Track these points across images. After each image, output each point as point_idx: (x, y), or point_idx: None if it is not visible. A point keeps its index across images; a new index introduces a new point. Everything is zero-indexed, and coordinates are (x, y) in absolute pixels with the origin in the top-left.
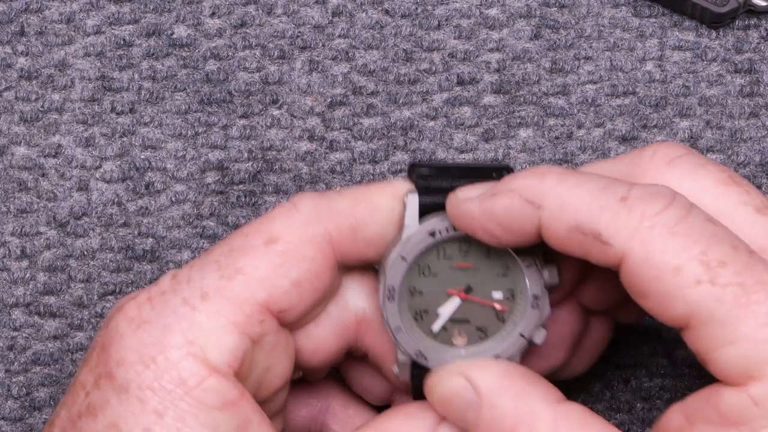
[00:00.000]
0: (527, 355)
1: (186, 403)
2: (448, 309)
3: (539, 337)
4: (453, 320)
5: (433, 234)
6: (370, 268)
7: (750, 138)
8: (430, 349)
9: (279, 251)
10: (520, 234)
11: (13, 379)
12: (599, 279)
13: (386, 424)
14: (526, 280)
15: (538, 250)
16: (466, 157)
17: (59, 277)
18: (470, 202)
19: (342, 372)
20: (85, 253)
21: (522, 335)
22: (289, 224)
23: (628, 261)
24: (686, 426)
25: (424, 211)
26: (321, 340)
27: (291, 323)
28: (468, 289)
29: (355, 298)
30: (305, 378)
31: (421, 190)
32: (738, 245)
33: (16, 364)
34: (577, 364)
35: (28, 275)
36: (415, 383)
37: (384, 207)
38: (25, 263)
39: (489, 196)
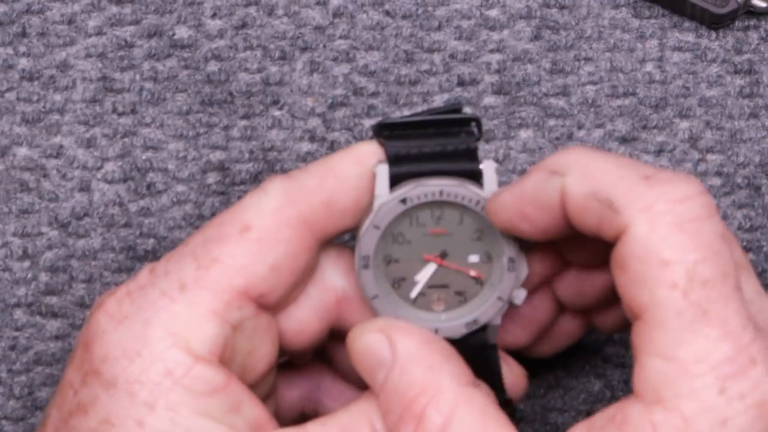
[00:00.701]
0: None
1: (175, 393)
2: (424, 275)
3: (519, 298)
4: (431, 286)
5: (404, 201)
6: (347, 246)
7: (750, 139)
8: (410, 315)
9: (254, 238)
10: (549, 210)
11: (15, 379)
12: (578, 278)
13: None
14: (502, 242)
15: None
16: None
17: (61, 277)
18: (503, 192)
19: (327, 354)
20: (87, 253)
21: (500, 297)
22: (261, 210)
23: (627, 233)
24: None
25: (395, 182)
26: (303, 321)
27: (271, 306)
28: (443, 254)
29: (334, 276)
30: (292, 362)
31: (391, 160)
32: (729, 274)
33: (18, 364)
34: (540, 349)
35: (29, 275)
36: None
37: (351, 175)
38: (26, 263)
39: (518, 181)
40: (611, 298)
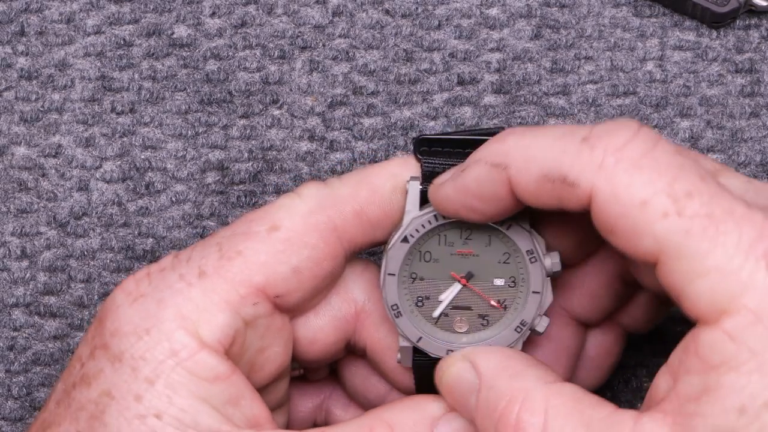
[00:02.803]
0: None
1: (177, 373)
2: (449, 295)
3: (541, 325)
4: (455, 307)
5: (436, 218)
6: (373, 262)
7: (751, 138)
8: (432, 335)
9: (281, 238)
10: (497, 200)
11: (14, 380)
12: (588, 287)
13: (385, 414)
14: (528, 269)
15: (540, 237)
16: None
17: (59, 277)
18: (445, 185)
19: (339, 373)
20: (86, 253)
21: (523, 323)
22: (292, 212)
23: (595, 199)
24: (672, 385)
25: (425, 200)
26: (319, 329)
27: (289, 309)
28: (469, 276)
29: (356, 289)
30: (307, 377)
31: (425, 176)
32: (705, 177)
33: (16, 364)
34: (586, 377)
35: (28, 275)
36: (416, 372)
37: (384, 188)
38: (25, 263)
39: (459, 173)
40: (624, 294)
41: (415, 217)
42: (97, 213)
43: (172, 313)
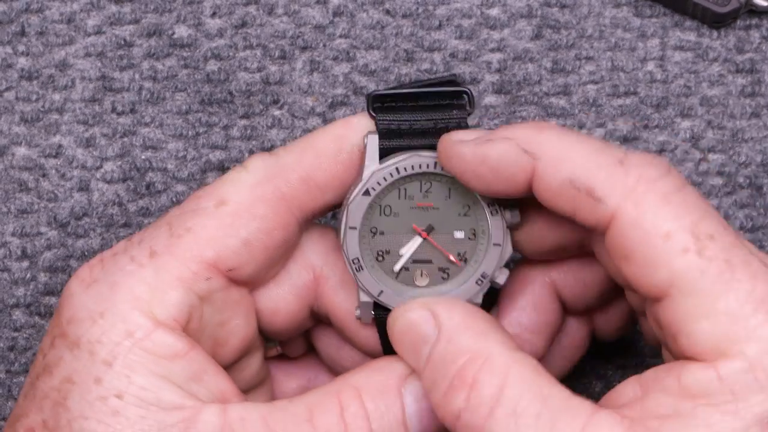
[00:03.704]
0: None
1: (134, 353)
2: (409, 249)
3: (501, 278)
4: (415, 260)
5: (397, 170)
6: (330, 226)
7: (751, 138)
8: (392, 288)
9: (228, 212)
10: (511, 182)
11: (14, 380)
12: (578, 270)
13: (352, 378)
14: (489, 221)
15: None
16: None
17: (60, 277)
18: (464, 145)
19: (314, 345)
20: (86, 253)
21: (484, 276)
22: (239, 185)
23: (618, 221)
24: (640, 395)
25: (384, 154)
26: (281, 299)
27: (245, 282)
28: (429, 229)
29: (313, 255)
30: (286, 354)
31: (381, 133)
32: (727, 225)
33: (16, 364)
34: (554, 364)
35: (28, 276)
36: (379, 328)
37: (329, 150)
38: (25, 264)
39: (485, 141)
40: (610, 295)
41: (375, 170)
42: (97, 213)
43: (125, 295)
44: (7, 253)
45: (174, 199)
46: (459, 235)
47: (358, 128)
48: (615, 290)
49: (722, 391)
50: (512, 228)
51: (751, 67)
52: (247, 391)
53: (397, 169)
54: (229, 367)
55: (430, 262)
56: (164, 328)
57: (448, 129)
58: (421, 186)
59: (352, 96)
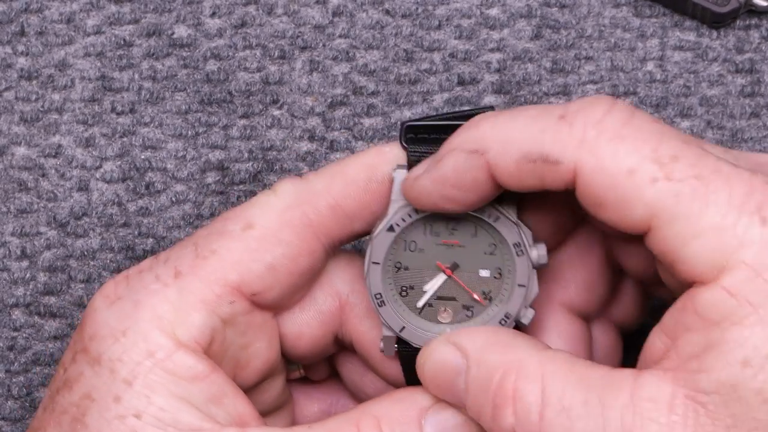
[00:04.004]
0: None
1: (154, 373)
2: (433, 285)
3: (527, 318)
4: (439, 297)
5: (414, 213)
6: (357, 253)
7: (751, 138)
8: (415, 324)
9: (255, 236)
10: (477, 188)
11: (14, 380)
12: (582, 278)
13: (373, 407)
14: (514, 261)
15: (527, 229)
16: None
17: (59, 277)
18: (421, 178)
19: (338, 370)
20: (86, 253)
21: (507, 316)
22: (266, 210)
23: (580, 174)
24: (670, 344)
25: None
26: (305, 324)
27: (269, 306)
28: (454, 267)
29: (339, 282)
30: (308, 378)
31: (411, 165)
32: (688, 140)
33: (16, 364)
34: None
35: (28, 275)
36: (402, 362)
37: (359, 179)
38: (25, 263)
39: (434, 164)
40: (611, 277)
41: (401, 206)
42: (97, 213)
43: (148, 314)
44: (7, 252)
45: (173, 199)
46: (484, 273)
47: (389, 158)
48: (615, 275)
49: (740, 306)
50: (539, 269)
51: (750, 67)
52: (268, 413)
53: (409, 214)
54: (250, 389)
55: (454, 299)
56: (185, 350)
57: None
58: (447, 223)
59: (351, 96)
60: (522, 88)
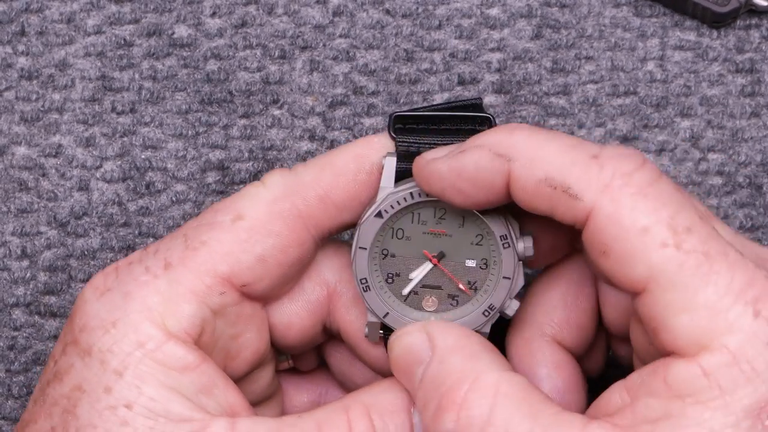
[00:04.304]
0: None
1: (144, 364)
2: (419, 273)
3: (511, 309)
4: (425, 285)
5: (411, 195)
6: (345, 242)
7: (751, 138)
8: (399, 311)
9: (245, 227)
10: (490, 189)
11: (14, 379)
12: (575, 319)
13: (362, 396)
14: (501, 253)
15: (514, 221)
16: None
17: (60, 276)
18: (438, 162)
19: (326, 359)
20: (86, 252)
21: (492, 307)
22: (256, 201)
23: (595, 217)
24: (628, 402)
25: (400, 177)
26: (294, 314)
27: (258, 297)
28: (441, 255)
29: (327, 271)
30: (297, 368)
31: (400, 155)
32: (704, 216)
33: (16, 363)
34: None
35: (28, 275)
36: (387, 348)
37: (348, 170)
38: (25, 263)
39: (457, 153)
40: (596, 321)
41: (390, 193)
42: (97, 213)
43: (137, 305)
44: (7, 252)
45: (173, 199)
46: (470, 263)
47: (378, 148)
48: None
49: (709, 387)
50: (525, 261)
51: (750, 67)
52: (257, 403)
53: (411, 194)
54: (240, 379)
55: (439, 288)
56: (176, 340)
57: None
58: (435, 212)
59: (351, 96)
60: (522, 87)
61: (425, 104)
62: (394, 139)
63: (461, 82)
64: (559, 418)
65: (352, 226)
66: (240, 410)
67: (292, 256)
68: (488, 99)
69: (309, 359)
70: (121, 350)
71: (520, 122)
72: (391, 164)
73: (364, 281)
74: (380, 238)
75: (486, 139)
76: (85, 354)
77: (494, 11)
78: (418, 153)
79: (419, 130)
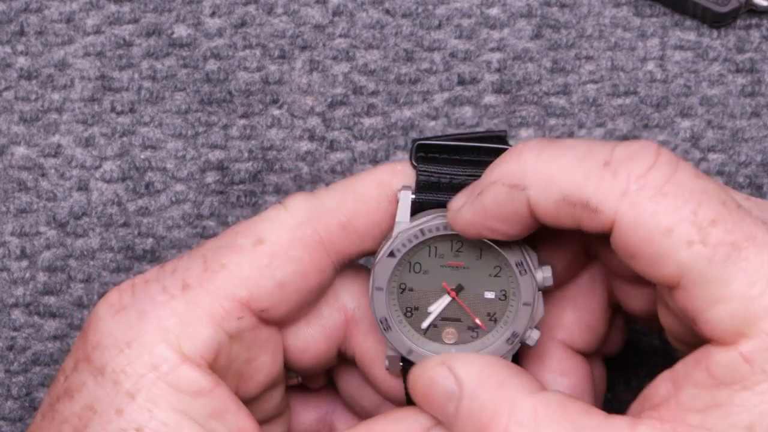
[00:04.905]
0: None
1: (158, 387)
2: (438, 307)
3: (532, 339)
4: (444, 318)
5: (422, 232)
6: (364, 267)
7: (751, 138)
8: (421, 346)
9: (266, 252)
10: (518, 220)
11: (13, 380)
12: (584, 320)
13: (374, 425)
14: (518, 280)
15: (532, 252)
16: None
17: (59, 277)
18: (463, 210)
19: (335, 381)
20: (85, 253)
21: (515, 335)
22: (278, 225)
23: (618, 225)
24: (673, 392)
25: (418, 209)
26: (310, 338)
27: (276, 322)
28: (459, 288)
29: (346, 297)
30: (306, 385)
31: (418, 187)
32: (727, 200)
33: (15, 364)
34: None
35: (27, 275)
36: (406, 381)
37: (371, 197)
38: (24, 263)
39: (475, 196)
40: (609, 317)
41: (403, 230)
42: (96, 213)
43: (153, 325)
44: (6, 252)
45: (173, 199)
46: (489, 295)
47: (401, 176)
48: (612, 313)
49: (753, 372)
50: (544, 290)
51: (751, 67)
52: (265, 421)
53: (422, 230)
54: (251, 400)
55: (459, 320)
56: (190, 364)
57: None
58: (452, 245)
59: (351, 96)
60: (522, 87)
61: (451, 133)
62: (415, 167)
63: (461, 81)
64: (604, 425)
65: (373, 252)
66: None
67: (312, 283)
68: (488, 99)
69: (318, 378)
70: (135, 372)
71: (520, 123)
72: (406, 198)
73: (384, 321)
74: (397, 273)
75: (497, 172)
76: (98, 373)
77: (494, 11)
78: (438, 183)
79: (441, 159)
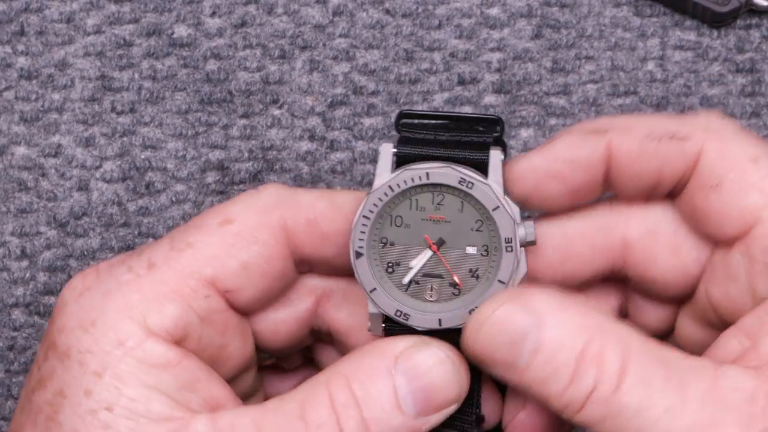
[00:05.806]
0: None
1: (125, 363)
2: (419, 261)
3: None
4: (426, 274)
5: (391, 188)
6: None
7: None
8: (403, 302)
9: (232, 232)
10: (587, 168)
11: (14, 379)
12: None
13: (341, 366)
14: (502, 256)
15: (515, 206)
16: None
17: (59, 277)
18: (531, 156)
19: (316, 360)
20: (86, 253)
21: (501, 281)
22: (247, 208)
23: (705, 153)
24: (749, 345)
25: (400, 163)
26: (281, 321)
27: (242, 308)
28: (440, 242)
29: (313, 280)
30: (281, 366)
31: (401, 140)
32: None
33: (16, 364)
34: None
35: (28, 275)
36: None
37: (344, 206)
38: (25, 263)
39: (546, 145)
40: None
41: (373, 191)
42: (97, 213)
43: (117, 303)
44: (7, 252)
45: (173, 199)
46: (471, 250)
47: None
48: None
49: None
50: (526, 246)
51: (751, 67)
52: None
53: (390, 187)
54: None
55: (440, 276)
56: (156, 338)
57: (469, 144)
58: (433, 198)
59: (351, 96)
60: (522, 87)
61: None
62: (399, 132)
63: (461, 81)
64: (690, 363)
65: (331, 263)
66: (225, 402)
67: (276, 269)
68: (488, 99)
69: (294, 358)
70: (101, 349)
71: (520, 123)
72: (387, 150)
73: (368, 281)
74: (378, 227)
75: (574, 126)
76: (64, 357)
77: (494, 11)
78: (423, 140)
79: (424, 125)
